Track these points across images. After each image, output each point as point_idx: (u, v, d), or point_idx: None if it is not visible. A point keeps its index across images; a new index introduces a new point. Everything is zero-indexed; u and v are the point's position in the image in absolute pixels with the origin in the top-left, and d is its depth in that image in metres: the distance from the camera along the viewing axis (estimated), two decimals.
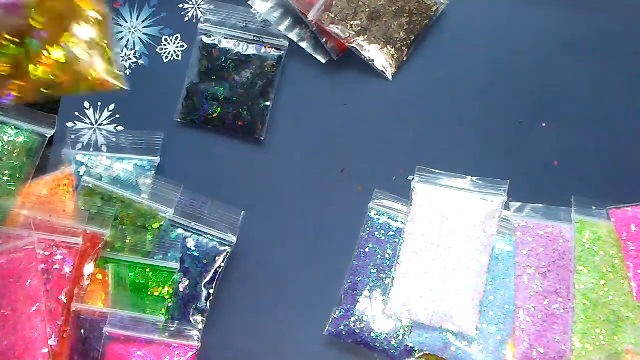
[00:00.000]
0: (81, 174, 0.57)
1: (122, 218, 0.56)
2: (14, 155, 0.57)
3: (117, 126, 0.60)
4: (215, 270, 0.55)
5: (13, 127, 0.57)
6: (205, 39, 0.60)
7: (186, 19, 0.63)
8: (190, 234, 0.56)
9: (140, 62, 0.62)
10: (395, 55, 0.61)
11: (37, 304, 0.51)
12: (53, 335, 0.51)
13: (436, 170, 0.57)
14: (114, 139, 0.60)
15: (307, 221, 0.58)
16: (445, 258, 0.54)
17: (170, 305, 0.54)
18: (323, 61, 0.61)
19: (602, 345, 0.51)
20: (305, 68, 0.62)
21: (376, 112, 0.61)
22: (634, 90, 0.60)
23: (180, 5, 0.63)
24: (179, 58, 0.62)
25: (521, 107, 0.60)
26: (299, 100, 0.61)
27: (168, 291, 0.54)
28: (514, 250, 0.55)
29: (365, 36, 0.60)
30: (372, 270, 0.55)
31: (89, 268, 0.54)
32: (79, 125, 0.60)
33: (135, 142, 0.59)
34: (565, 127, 0.59)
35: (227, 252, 0.56)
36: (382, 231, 0.56)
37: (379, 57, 0.61)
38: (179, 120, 0.60)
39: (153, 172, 0.58)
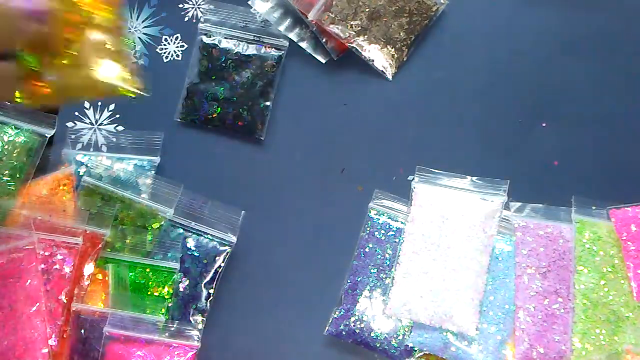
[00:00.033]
0: (81, 174, 0.57)
1: (122, 218, 0.56)
2: (14, 155, 0.57)
3: (117, 126, 0.60)
4: (215, 270, 0.55)
5: (13, 127, 0.57)
6: (205, 39, 0.60)
7: (186, 19, 0.63)
8: (190, 234, 0.56)
9: (140, 62, 0.62)
10: (395, 55, 0.61)
11: (37, 304, 0.51)
12: (53, 335, 0.51)
13: (436, 170, 0.57)
14: (114, 139, 0.60)
15: (307, 221, 0.58)
16: (445, 258, 0.54)
17: (170, 305, 0.54)
18: (323, 61, 0.61)
19: (602, 345, 0.51)
20: (305, 68, 0.62)
21: (376, 112, 0.61)
22: (634, 90, 0.60)
23: (180, 5, 0.63)
24: (179, 58, 0.62)
25: (521, 107, 0.60)
26: (299, 100, 0.61)
27: (168, 291, 0.54)
28: (514, 250, 0.55)
29: (365, 36, 0.60)
30: (372, 270, 0.55)
31: (89, 268, 0.54)
32: (79, 125, 0.60)
33: (135, 142, 0.59)
34: (565, 127, 0.59)
35: (227, 252, 0.56)
36: (382, 231, 0.56)
37: (379, 57, 0.61)
38: (179, 120, 0.60)
39: (153, 172, 0.58)
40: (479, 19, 0.63)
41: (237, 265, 0.56)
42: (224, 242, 0.56)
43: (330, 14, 0.60)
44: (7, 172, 0.56)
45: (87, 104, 0.61)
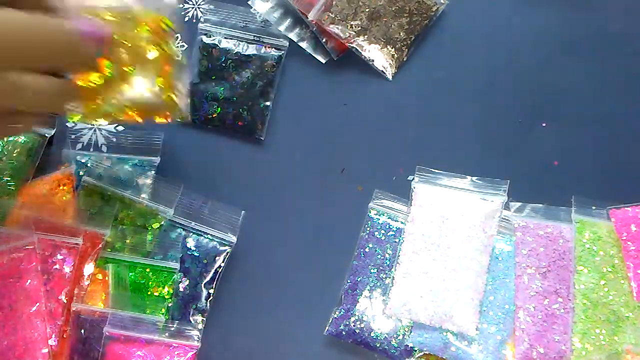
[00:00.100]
0: (81, 174, 0.57)
1: (122, 218, 0.56)
2: (14, 155, 0.57)
3: (117, 126, 0.60)
4: (215, 270, 0.55)
5: None
6: (205, 39, 0.60)
7: (186, 19, 0.63)
8: (190, 234, 0.56)
9: None
10: (395, 55, 0.61)
11: (37, 304, 0.51)
12: (53, 335, 0.51)
13: (436, 170, 0.57)
14: (114, 139, 0.60)
15: (307, 221, 0.58)
16: (445, 258, 0.54)
17: (170, 305, 0.54)
18: (323, 61, 0.61)
19: (602, 345, 0.51)
20: (305, 68, 0.62)
21: (376, 112, 0.61)
22: (634, 90, 0.60)
23: (181, 5, 0.63)
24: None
25: (521, 107, 0.60)
26: (299, 100, 0.61)
27: (168, 291, 0.54)
28: (514, 250, 0.55)
29: (365, 36, 0.60)
30: (372, 270, 0.55)
31: (89, 268, 0.54)
32: (79, 125, 0.60)
33: (135, 142, 0.59)
34: (565, 127, 0.59)
35: (227, 252, 0.56)
36: (382, 231, 0.56)
37: (379, 57, 0.61)
38: (179, 120, 0.60)
39: (153, 172, 0.58)
40: (479, 19, 0.63)
41: (237, 265, 0.56)
42: (224, 242, 0.56)
43: (330, 14, 0.60)
44: (7, 172, 0.56)
45: None
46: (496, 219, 0.55)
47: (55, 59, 0.40)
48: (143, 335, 0.52)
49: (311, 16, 0.59)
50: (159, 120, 0.51)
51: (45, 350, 0.50)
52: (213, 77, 0.60)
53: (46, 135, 0.58)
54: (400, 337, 0.53)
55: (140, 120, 0.50)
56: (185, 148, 0.60)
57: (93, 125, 0.60)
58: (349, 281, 0.55)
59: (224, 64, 0.60)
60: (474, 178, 0.57)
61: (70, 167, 0.58)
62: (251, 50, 0.61)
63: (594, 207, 0.55)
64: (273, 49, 0.61)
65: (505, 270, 0.54)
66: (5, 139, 0.57)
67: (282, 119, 0.61)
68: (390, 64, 0.61)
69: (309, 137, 0.60)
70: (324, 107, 0.61)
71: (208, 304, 0.54)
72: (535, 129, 0.59)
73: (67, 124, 0.60)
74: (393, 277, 0.54)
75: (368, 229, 0.57)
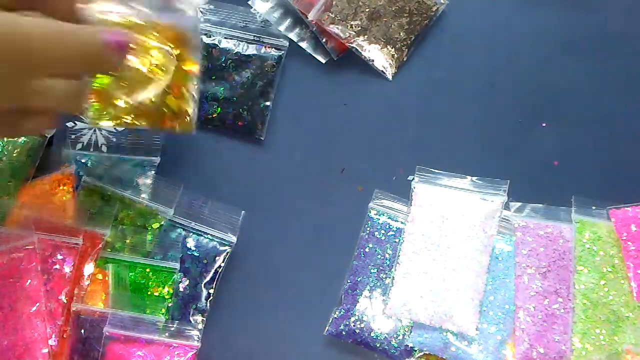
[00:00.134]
0: (81, 174, 0.57)
1: (122, 218, 0.56)
2: (14, 155, 0.57)
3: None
4: (215, 270, 0.55)
5: None
6: (205, 39, 0.60)
7: None
8: (190, 234, 0.56)
9: None
10: (395, 55, 0.61)
11: (37, 304, 0.51)
12: (53, 335, 0.51)
13: (436, 170, 0.57)
14: (114, 139, 0.60)
15: (307, 221, 0.58)
16: (445, 258, 0.54)
17: (170, 305, 0.54)
18: (323, 61, 0.61)
19: (602, 345, 0.51)
20: (305, 68, 0.62)
21: (376, 112, 0.61)
22: (634, 90, 0.60)
23: None
24: None
25: (521, 107, 0.60)
26: (299, 100, 0.61)
27: (168, 291, 0.54)
28: (514, 250, 0.55)
29: (365, 36, 0.60)
30: (372, 270, 0.55)
31: (89, 268, 0.54)
32: (79, 125, 0.60)
33: (135, 142, 0.59)
34: (565, 127, 0.59)
35: (227, 252, 0.56)
36: (382, 231, 0.56)
37: (379, 57, 0.61)
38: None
39: (153, 172, 0.58)
40: (479, 19, 0.63)
41: (237, 265, 0.56)
42: (224, 242, 0.56)
43: (330, 14, 0.60)
44: (7, 172, 0.56)
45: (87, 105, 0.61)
46: (496, 219, 0.55)
47: (85, 66, 0.42)
48: (143, 335, 0.52)
49: (311, 16, 0.59)
50: (166, 129, 0.52)
51: (45, 350, 0.50)
52: (213, 77, 0.60)
53: (46, 135, 0.58)
54: (400, 337, 0.53)
55: (148, 127, 0.52)
56: (185, 148, 0.60)
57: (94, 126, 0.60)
58: (349, 281, 0.55)
59: (224, 64, 0.60)
60: (474, 178, 0.57)
61: (70, 167, 0.58)
62: (251, 50, 0.61)
63: (594, 207, 0.55)
64: (273, 49, 0.61)
65: (505, 270, 0.54)
66: (5, 139, 0.57)
67: (282, 119, 0.61)
68: (390, 64, 0.61)
69: (309, 137, 0.60)
70: (324, 107, 0.61)
71: (208, 304, 0.54)
72: (535, 129, 0.59)
73: (67, 124, 0.60)
74: (393, 277, 0.54)
75: (368, 229, 0.57)
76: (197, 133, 0.60)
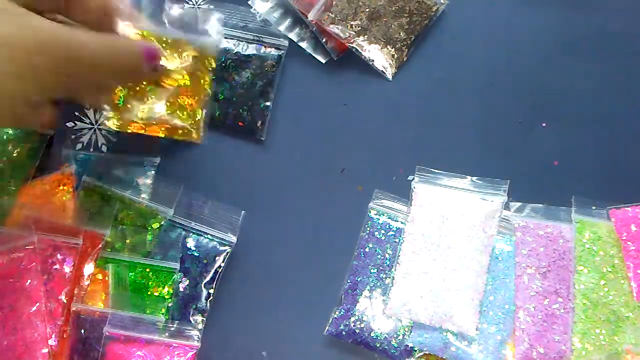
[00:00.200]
0: (81, 174, 0.57)
1: (122, 218, 0.56)
2: (14, 155, 0.57)
3: None
4: (215, 270, 0.55)
5: None
6: None
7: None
8: (190, 234, 0.56)
9: None
10: (395, 55, 0.61)
11: (37, 304, 0.51)
12: (53, 335, 0.51)
13: (436, 170, 0.57)
14: (114, 139, 0.60)
15: (307, 221, 0.58)
16: (445, 258, 0.54)
17: (170, 305, 0.54)
18: (323, 61, 0.61)
19: (602, 345, 0.51)
20: (305, 68, 0.62)
21: (376, 112, 0.61)
22: (634, 90, 0.60)
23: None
24: None
25: (521, 107, 0.60)
26: (299, 100, 0.61)
27: (168, 291, 0.54)
28: (514, 250, 0.55)
29: (365, 36, 0.60)
30: (372, 270, 0.55)
31: (89, 268, 0.54)
32: (79, 125, 0.60)
33: (135, 142, 0.59)
34: (565, 127, 0.59)
35: (227, 252, 0.56)
36: (382, 231, 0.56)
37: (379, 57, 0.61)
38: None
39: (153, 172, 0.58)
40: (479, 19, 0.63)
41: (237, 265, 0.56)
42: (224, 242, 0.56)
43: (330, 14, 0.60)
44: (7, 172, 0.56)
45: (87, 105, 0.61)
46: (496, 219, 0.55)
47: (124, 74, 0.48)
48: (143, 335, 0.52)
49: (311, 16, 0.59)
50: (177, 138, 0.57)
51: (45, 350, 0.50)
52: (213, 77, 0.60)
53: (46, 135, 0.58)
54: (400, 337, 0.53)
55: (161, 135, 0.57)
56: (185, 148, 0.60)
57: (93, 126, 0.60)
58: (349, 281, 0.55)
59: (223, 64, 0.60)
60: (474, 178, 0.57)
61: (70, 167, 0.58)
62: (251, 50, 0.61)
63: (594, 207, 0.55)
64: (273, 49, 0.61)
65: (505, 270, 0.54)
66: (5, 139, 0.57)
67: (282, 119, 0.61)
68: (390, 64, 0.61)
69: (309, 137, 0.60)
70: (324, 107, 0.61)
71: (208, 304, 0.54)
72: (535, 129, 0.59)
73: (67, 124, 0.60)
74: (393, 277, 0.54)
75: (368, 229, 0.57)
76: None
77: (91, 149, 0.59)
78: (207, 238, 0.56)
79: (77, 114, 0.61)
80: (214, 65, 0.57)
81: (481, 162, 0.58)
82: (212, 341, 0.54)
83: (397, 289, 0.54)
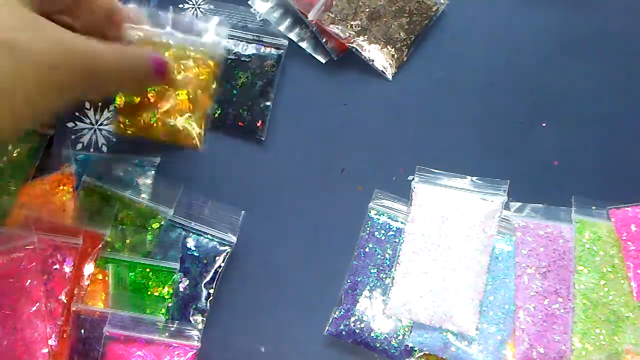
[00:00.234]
0: (81, 174, 0.57)
1: (122, 218, 0.56)
2: (14, 155, 0.57)
3: None
4: (215, 270, 0.55)
5: None
6: None
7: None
8: (190, 234, 0.56)
9: None
10: (395, 55, 0.61)
11: (37, 304, 0.51)
12: (53, 335, 0.51)
13: (436, 170, 0.57)
14: (114, 139, 0.60)
15: (307, 221, 0.58)
16: (445, 258, 0.54)
17: (170, 305, 0.54)
18: (323, 61, 0.61)
19: (602, 345, 0.51)
20: (305, 68, 0.62)
21: (376, 112, 0.61)
22: (634, 90, 0.60)
23: (181, 6, 0.63)
24: None
25: (521, 107, 0.60)
26: (299, 100, 0.61)
27: (168, 291, 0.54)
28: (514, 250, 0.55)
29: (365, 36, 0.60)
30: (372, 270, 0.55)
31: (89, 268, 0.54)
32: (79, 125, 0.60)
33: (135, 142, 0.59)
34: (565, 127, 0.59)
35: (227, 252, 0.56)
36: (382, 231, 0.56)
37: (379, 57, 0.61)
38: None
39: (153, 172, 0.58)
40: (479, 19, 0.63)
41: (237, 265, 0.56)
42: (224, 242, 0.56)
43: (330, 14, 0.60)
44: (7, 172, 0.56)
45: (87, 105, 0.61)
46: (496, 219, 0.55)
47: (135, 81, 0.49)
48: (143, 335, 0.52)
49: (311, 16, 0.59)
50: (179, 144, 0.56)
51: (45, 350, 0.50)
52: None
53: (46, 135, 0.58)
54: (400, 337, 0.53)
55: (164, 140, 0.56)
56: (185, 148, 0.60)
57: (93, 126, 0.60)
58: (349, 281, 0.55)
59: (223, 64, 0.60)
60: (474, 178, 0.57)
61: (70, 167, 0.58)
62: (251, 50, 0.61)
63: (594, 207, 0.55)
64: (273, 49, 0.61)
65: (505, 270, 0.54)
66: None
67: (282, 119, 0.61)
68: (390, 64, 0.61)
69: (309, 137, 0.60)
70: (324, 107, 0.61)
71: (208, 304, 0.54)
72: (535, 129, 0.59)
73: (67, 124, 0.60)
74: (393, 277, 0.54)
75: (368, 229, 0.57)
76: None
77: (91, 149, 0.59)
78: (207, 238, 0.56)
79: (77, 114, 0.61)
80: (218, 73, 0.57)
81: (481, 162, 0.58)
82: (212, 341, 0.54)
83: (397, 289, 0.54)
